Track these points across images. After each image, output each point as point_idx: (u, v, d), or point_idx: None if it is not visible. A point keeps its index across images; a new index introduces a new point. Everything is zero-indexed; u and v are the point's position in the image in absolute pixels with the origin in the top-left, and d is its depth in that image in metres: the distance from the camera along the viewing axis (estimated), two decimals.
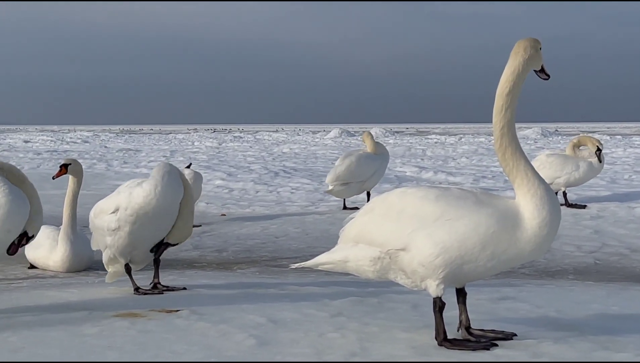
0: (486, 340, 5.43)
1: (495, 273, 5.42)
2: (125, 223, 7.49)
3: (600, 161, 14.71)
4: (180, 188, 7.55)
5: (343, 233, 5.68)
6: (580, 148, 14.96)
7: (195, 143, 54.81)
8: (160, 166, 7.62)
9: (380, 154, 15.61)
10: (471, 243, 5.16)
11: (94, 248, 8.06)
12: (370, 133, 16.19)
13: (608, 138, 56.55)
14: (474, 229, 5.16)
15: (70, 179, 9.89)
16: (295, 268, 5.88)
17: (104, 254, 7.82)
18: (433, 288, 5.29)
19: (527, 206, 5.20)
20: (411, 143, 51.42)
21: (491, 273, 5.35)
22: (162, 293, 7.57)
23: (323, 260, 5.69)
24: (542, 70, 5.47)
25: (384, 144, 17.35)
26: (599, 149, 14.57)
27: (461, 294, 5.52)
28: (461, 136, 67.62)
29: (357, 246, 5.53)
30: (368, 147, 15.70)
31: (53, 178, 10.48)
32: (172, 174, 7.53)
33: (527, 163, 5.33)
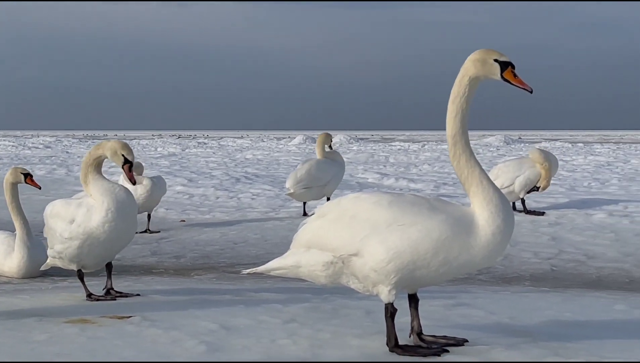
0: (437, 347, 5.42)
1: (447, 279, 5.41)
2: (76, 238, 7.39)
3: (536, 190, 14.50)
4: (134, 216, 7.48)
5: (296, 238, 5.64)
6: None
7: (159, 149, 54.52)
8: (113, 195, 7.36)
9: (333, 160, 15.48)
10: (423, 249, 5.15)
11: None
12: (327, 136, 15.88)
13: (570, 145, 57.04)
14: (426, 235, 5.16)
15: (5, 189, 9.66)
16: (248, 274, 5.83)
17: (50, 251, 7.71)
18: (385, 293, 5.27)
19: (483, 214, 5.21)
20: (374, 149, 51.43)
21: (443, 279, 5.34)
22: (115, 299, 7.49)
23: (275, 265, 5.64)
24: (508, 81, 5.24)
25: (347, 151, 17.25)
26: (536, 188, 14.39)
27: (413, 300, 5.51)
28: (425, 143, 67.90)
29: (309, 251, 5.48)
30: (317, 153, 15.59)
31: (40, 188, 10.29)
32: (126, 204, 7.39)
33: (482, 171, 5.34)
